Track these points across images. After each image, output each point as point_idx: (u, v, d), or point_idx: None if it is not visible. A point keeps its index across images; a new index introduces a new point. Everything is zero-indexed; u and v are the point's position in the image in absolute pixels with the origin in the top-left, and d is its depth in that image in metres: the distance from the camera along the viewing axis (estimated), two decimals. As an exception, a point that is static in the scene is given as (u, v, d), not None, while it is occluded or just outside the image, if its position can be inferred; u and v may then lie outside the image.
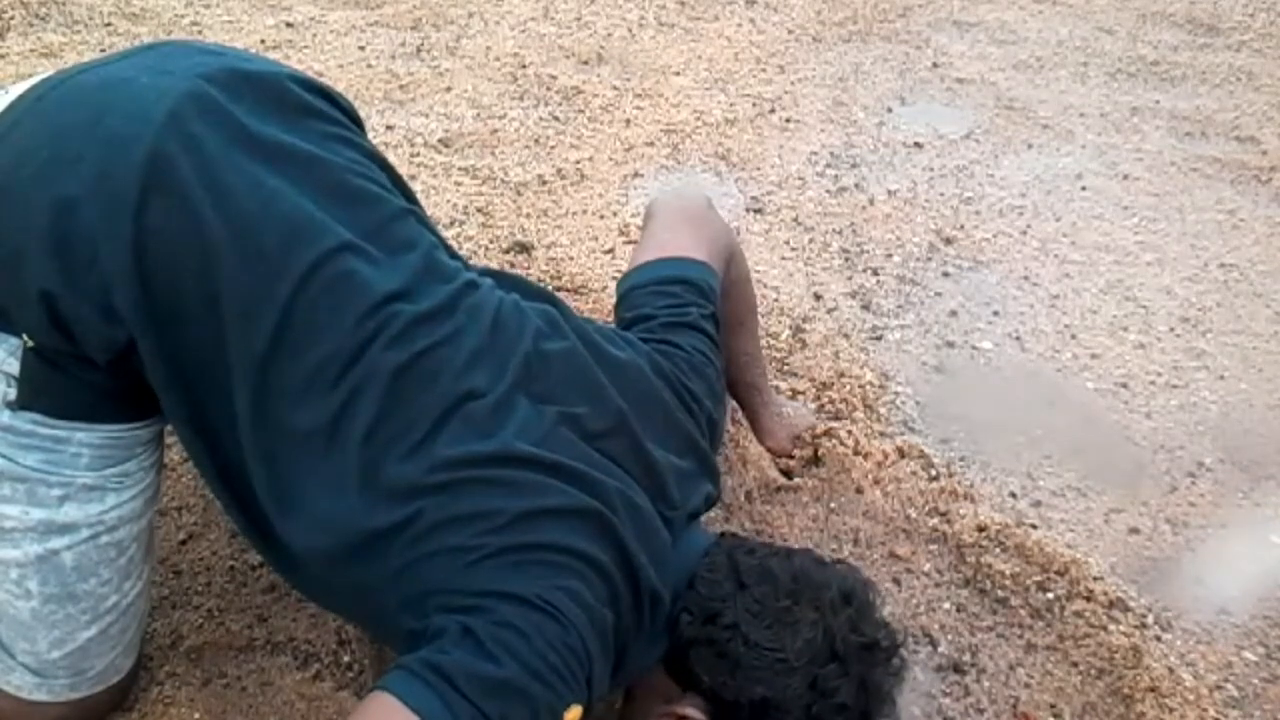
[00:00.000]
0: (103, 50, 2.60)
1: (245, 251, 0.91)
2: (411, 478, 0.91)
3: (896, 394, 1.73)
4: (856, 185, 2.35)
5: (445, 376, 0.96)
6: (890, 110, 2.74)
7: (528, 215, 2.11)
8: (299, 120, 1.01)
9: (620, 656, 0.97)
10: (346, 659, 1.23)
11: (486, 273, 1.12)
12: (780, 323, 1.85)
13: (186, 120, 0.91)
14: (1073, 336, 1.90)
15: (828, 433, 1.57)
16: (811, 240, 2.13)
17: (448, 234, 1.84)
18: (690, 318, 1.21)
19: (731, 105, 2.68)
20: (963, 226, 2.22)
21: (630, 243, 2.02)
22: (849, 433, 1.58)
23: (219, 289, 0.90)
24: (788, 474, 1.54)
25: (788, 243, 2.12)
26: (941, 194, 2.35)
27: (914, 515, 1.48)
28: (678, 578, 1.02)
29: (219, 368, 0.92)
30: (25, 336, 0.92)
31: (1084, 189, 2.41)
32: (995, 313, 1.96)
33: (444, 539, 0.90)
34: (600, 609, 0.92)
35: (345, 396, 0.92)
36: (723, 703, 0.97)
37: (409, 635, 0.90)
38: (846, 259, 2.08)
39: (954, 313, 1.94)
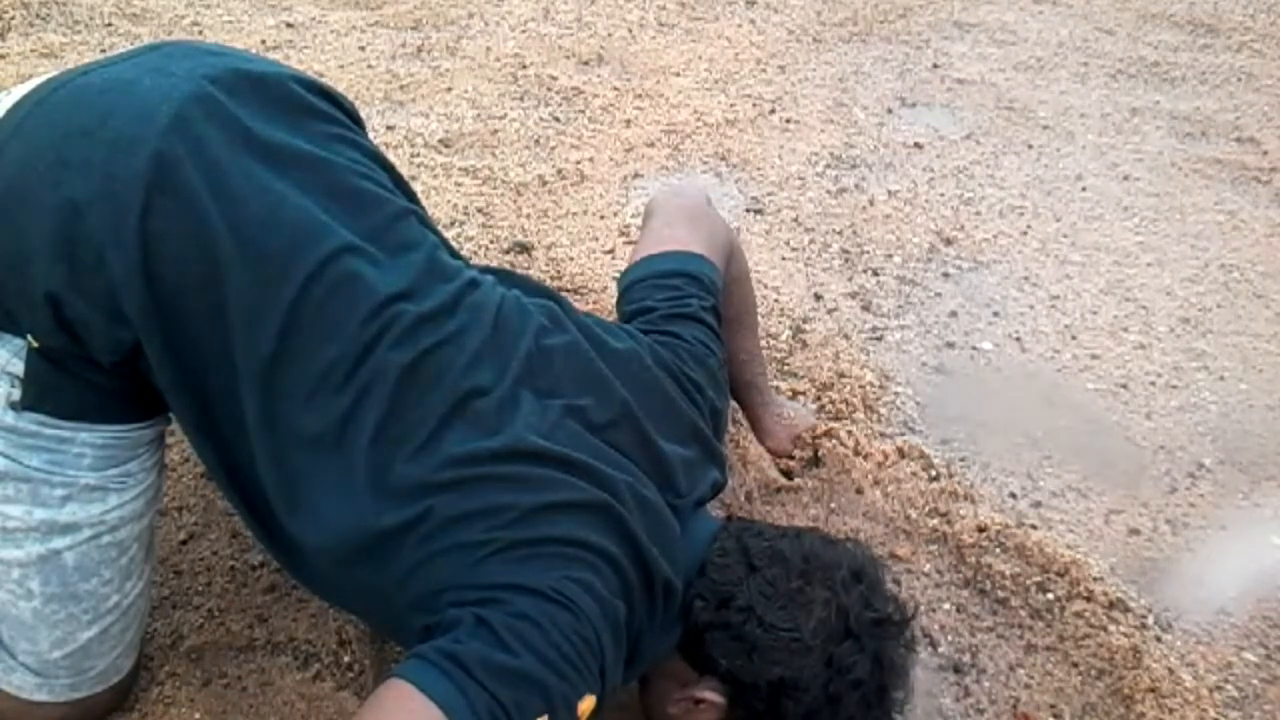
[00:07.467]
0: (103, 51, 2.61)
1: (250, 254, 0.91)
2: (420, 476, 0.91)
3: (896, 394, 1.73)
4: (857, 186, 2.35)
5: (450, 375, 0.96)
6: (890, 111, 2.74)
7: (528, 216, 2.11)
8: (302, 121, 1.01)
9: (634, 647, 0.97)
10: (347, 659, 1.23)
11: (488, 271, 1.12)
12: (780, 323, 1.86)
13: (191, 122, 0.92)
14: (1073, 337, 1.90)
15: (828, 433, 1.57)
16: (811, 241, 2.13)
17: (448, 234, 1.84)
18: (691, 309, 1.21)
19: (732, 106, 2.69)
20: (963, 227, 2.22)
21: (630, 243, 2.02)
22: (849, 433, 1.58)
23: (224, 291, 0.90)
24: (788, 474, 1.54)
25: (788, 243, 2.12)
26: (941, 195, 2.35)
27: (914, 516, 1.48)
28: (689, 565, 1.03)
29: (226, 370, 0.92)
30: (30, 337, 0.92)
31: (1084, 190, 2.41)
32: (995, 313, 1.96)
33: (454, 535, 0.90)
34: (612, 600, 0.92)
35: (353, 398, 0.92)
36: (740, 684, 0.98)
37: (421, 630, 0.91)
38: (846, 259, 2.08)
39: (954, 313, 1.95)
